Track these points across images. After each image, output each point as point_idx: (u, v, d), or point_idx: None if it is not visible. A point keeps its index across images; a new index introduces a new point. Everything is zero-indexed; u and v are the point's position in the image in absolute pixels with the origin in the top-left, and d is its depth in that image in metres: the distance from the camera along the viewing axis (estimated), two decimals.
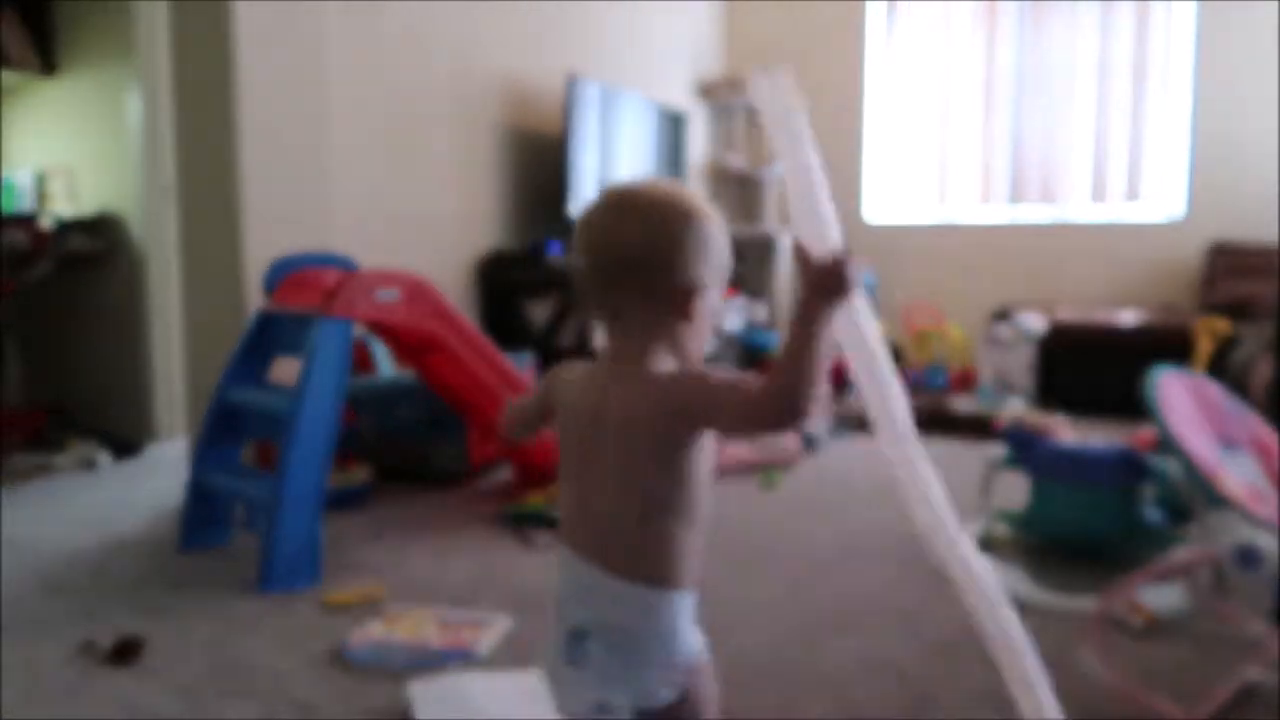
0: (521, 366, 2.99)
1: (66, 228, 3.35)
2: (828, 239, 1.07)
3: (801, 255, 0.95)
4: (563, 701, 0.99)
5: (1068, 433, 3.40)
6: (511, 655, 1.68)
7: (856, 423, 3.83)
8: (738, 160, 5.66)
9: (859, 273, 0.95)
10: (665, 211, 0.97)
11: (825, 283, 0.91)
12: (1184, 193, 4.96)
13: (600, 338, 1.03)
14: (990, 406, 4.15)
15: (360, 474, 2.69)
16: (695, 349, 1.01)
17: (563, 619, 0.99)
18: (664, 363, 0.97)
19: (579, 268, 0.98)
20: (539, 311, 3.72)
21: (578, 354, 3.61)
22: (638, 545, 0.95)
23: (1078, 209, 5.23)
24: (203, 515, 2.29)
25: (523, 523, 2.47)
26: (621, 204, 0.98)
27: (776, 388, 0.87)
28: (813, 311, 0.89)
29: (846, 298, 0.92)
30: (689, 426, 0.93)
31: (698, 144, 5.53)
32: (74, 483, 2.95)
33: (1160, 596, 1.83)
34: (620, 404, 0.95)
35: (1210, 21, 4.84)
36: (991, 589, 1.15)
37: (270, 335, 2.38)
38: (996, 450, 2.30)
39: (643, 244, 0.95)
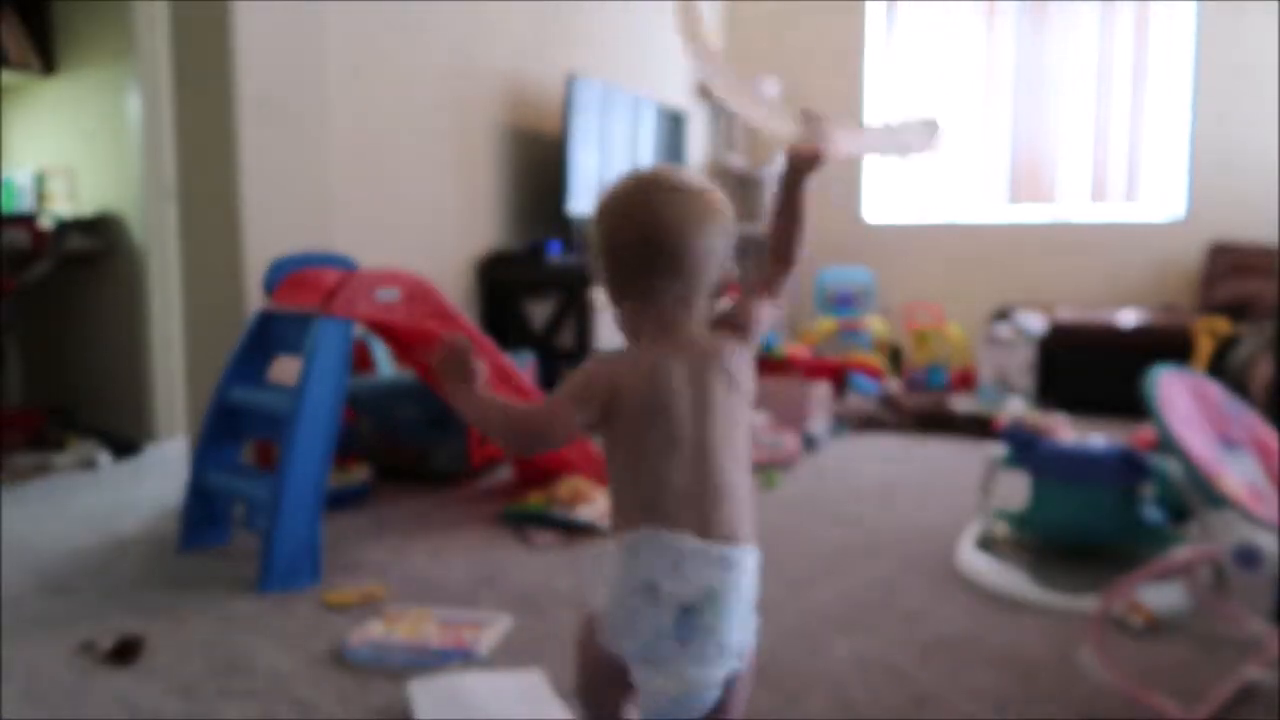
0: (522, 366, 2.99)
1: (66, 228, 3.35)
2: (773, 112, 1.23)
3: (791, 150, 1.13)
4: (678, 682, 0.98)
5: (1068, 433, 3.40)
6: (512, 655, 1.68)
7: (856, 423, 3.83)
8: (738, 160, 5.66)
9: (822, 133, 1.12)
10: (720, 203, 1.14)
11: (799, 159, 1.12)
12: (1184, 193, 4.96)
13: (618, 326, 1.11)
14: (990, 406, 4.15)
15: (360, 474, 2.69)
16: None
17: (664, 600, 0.97)
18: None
19: (658, 252, 1.05)
20: (539, 311, 3.72)
21: (578, 354, 3.61)
22: (749, 507, 1.03)
23: (1077, 209, 5.23)
24: (203, 515, 2.29)
25: (523, 523, 2.47)
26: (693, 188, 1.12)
27: (782, 247, 1.18)
28: (793, 179, 1.13)
29: (818, 167, 1.12)
30: (752, 364, 1.11)
31: (698, 144, 5.53)
32: (74, 483, 2.95)
33: (1160, 596, 1.83)
34: (726, 374, 1.05)
35: (1210, 21, 4.84)
36: None
37: (270, 335, 2.38)
38: (996, 450, 2.30)
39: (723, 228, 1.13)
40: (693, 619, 0.97)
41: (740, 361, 1.08)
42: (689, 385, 1.03)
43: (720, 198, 1.12)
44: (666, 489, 1.01)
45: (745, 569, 1.01)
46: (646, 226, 1.04)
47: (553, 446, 1.06)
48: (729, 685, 1.01)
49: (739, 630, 1.00)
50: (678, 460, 1.01)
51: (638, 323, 1.07)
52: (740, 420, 1.05)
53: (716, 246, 1.10)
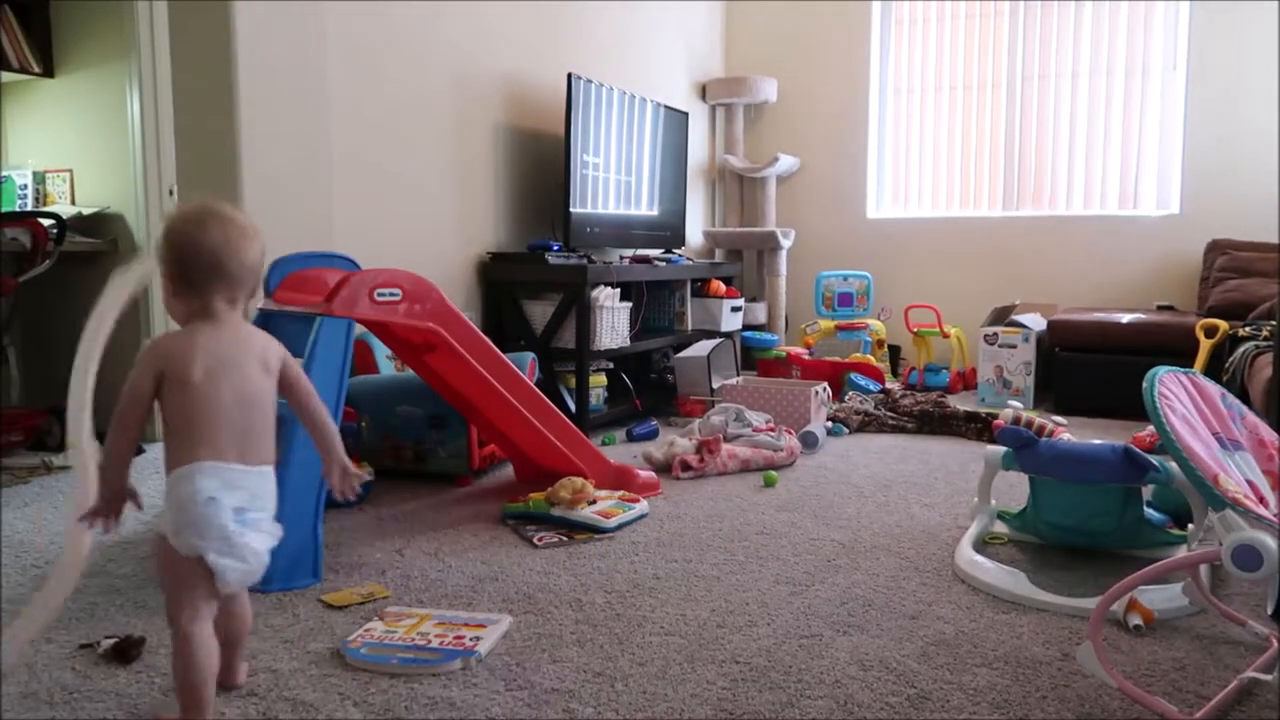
0: (522, 367, 2.99)
1: (66, 227, 3.35)
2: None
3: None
4: (244, 558, 1.39)
5: (1067, 433, 3.40)
6: (512, 655, 1.68)
7: (856, 423, 3.83)
8: (738, 160, 5.66)
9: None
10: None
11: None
12: (1183, 192, 4.96)
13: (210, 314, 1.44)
14: (990, 406, 4.16)
15: (360, 474, 2.68)
16: None
17: (223, 507, 1.38)
18: None
19: (213, 262, 1.41)
20: (539, 311, 3.72)
21: (578, 353, 3.61)
22: (271, 442, 1.49)
23: (1077, 209, 5.23)
24: None
25: (523, 522, 2.47)
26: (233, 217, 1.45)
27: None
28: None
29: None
30: None
31: (698, 144, 5.53)
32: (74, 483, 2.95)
33: (1160, 596, 1.83)
34: (261, 357, 1.47)
35: (1206, 19, 4.84)
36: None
37: (270, 334, 2.37)
38: (996, 450, 2.30)
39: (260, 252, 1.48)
40: (244, 515, 1.39)
41: (272, 352, 1.49)
42: (232, 360, 1.42)
43: (256, 227, 1.47)
44: (217, 431, 1.40)
45: (271, 479, 1.46)
46: (208, 243, 1.40)
47: (139, 411, 1.42)
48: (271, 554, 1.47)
49: (273, 521, 1.46)
50: (223, 411, 1.40)
51: (193, 313, 1.43)
52: (268, 389, 1.47)
53: (255, 262, 1.46)
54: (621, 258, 4.38)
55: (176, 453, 1.41)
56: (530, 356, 3.22)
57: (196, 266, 1.41)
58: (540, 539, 2.34)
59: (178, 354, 1.40)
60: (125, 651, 1.67)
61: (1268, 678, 1.54)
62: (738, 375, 4.46)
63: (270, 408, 1.47)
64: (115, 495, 1.44)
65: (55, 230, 3.31)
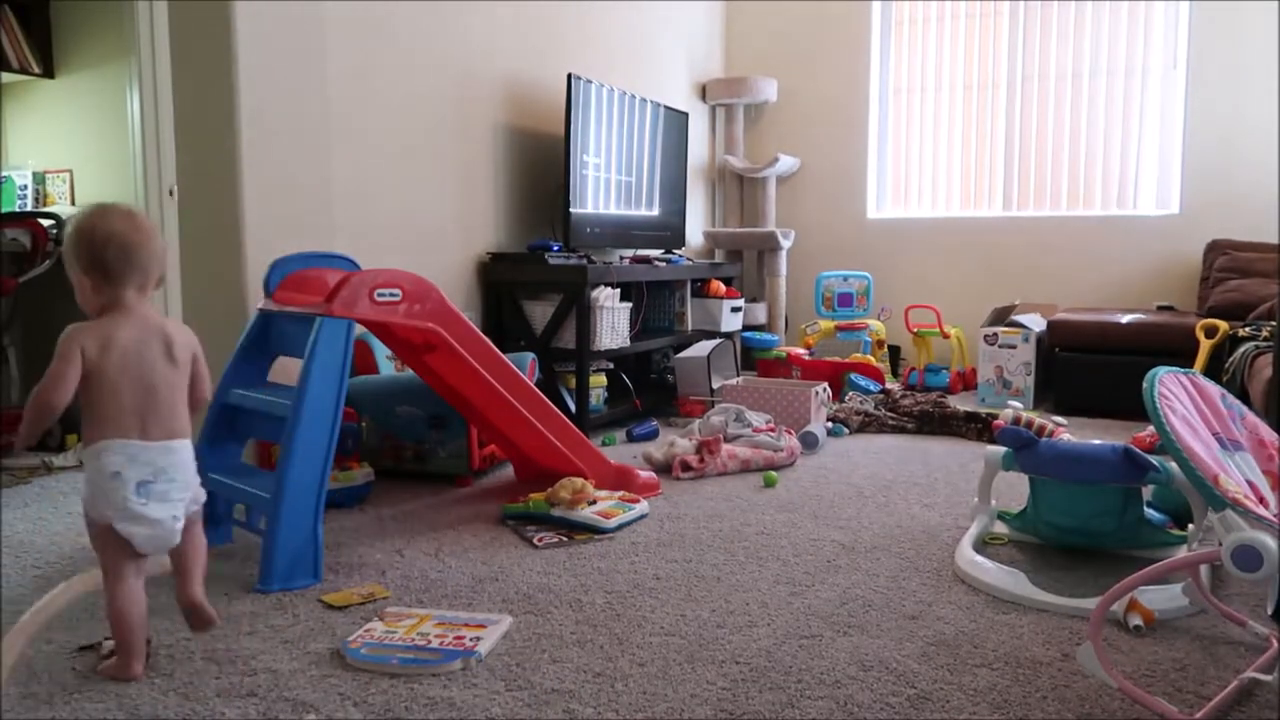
0: (522, 367, 2.99)
1: (66, 228, 3.35)
2: None
3: None
4: (147, 526, 1.56)
5: (1067, 433, 3.40)
6: (512, 655, 1.68)
7: (855, 423, 3.83)
8: (738, 160, 5.66)
9: None
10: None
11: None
12: (1183, 192, 4.96)
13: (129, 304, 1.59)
14: (990, 407, 4.16)
15: (360, 474, 2.69)
16: None
17: (126, 479, 1.54)
18: None
19: (124, 248, 1.56)
20: (539, 312, 3.72)
21: (578, 353, 3.61)
22: (184, 416, 1.64)
23: (1077, 209, 5.23)
24: (203, 515, 2.28)
25: (523, 522, 2.47)
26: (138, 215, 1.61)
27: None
28: None
29: None
30: None
31: (698, 144, 5.53)
32: (74, 483, 2.95)
33: (1160, 596, 1.83)
34: (166, 341, 1.60)
35: (1205, 18, 4.84)
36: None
37: (270, 335, 2.38)
38: (996, 450, 2.30)
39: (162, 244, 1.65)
40: (148, 487, 1.55)
41: (180, 343, 1.62)
42: (139, 348, 1.57)
43: (154, 226, 1.64)
44: (120, 410, 1.55)
45: (178, 452, 1.60)
46: (118, 232, 1.55)
47: (66, 396, 1.53)
48: (189, 523, 1.63)
49: (183, 489, 1.60)
50: (128, 392, 1.55)
51: (106, 305, 1.57)
52: (168, 373, 1.60)
53: (160, 251, 1.61)
54: (621, 258, 4.38)
55: (88, 431, 1.57)
56: (530, 357, 3.22)
57: (108, 255, 1.55)
58: (540, 539, 2.34)
59: (94, 343, 1.54)
60: None
61: (1268, 678, 1.54)
62: (738, 375, 4.46)
63: (173, 390, 1.62)
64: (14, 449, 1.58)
65: (55, 230, 3.31)
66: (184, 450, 1.62)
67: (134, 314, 1.58)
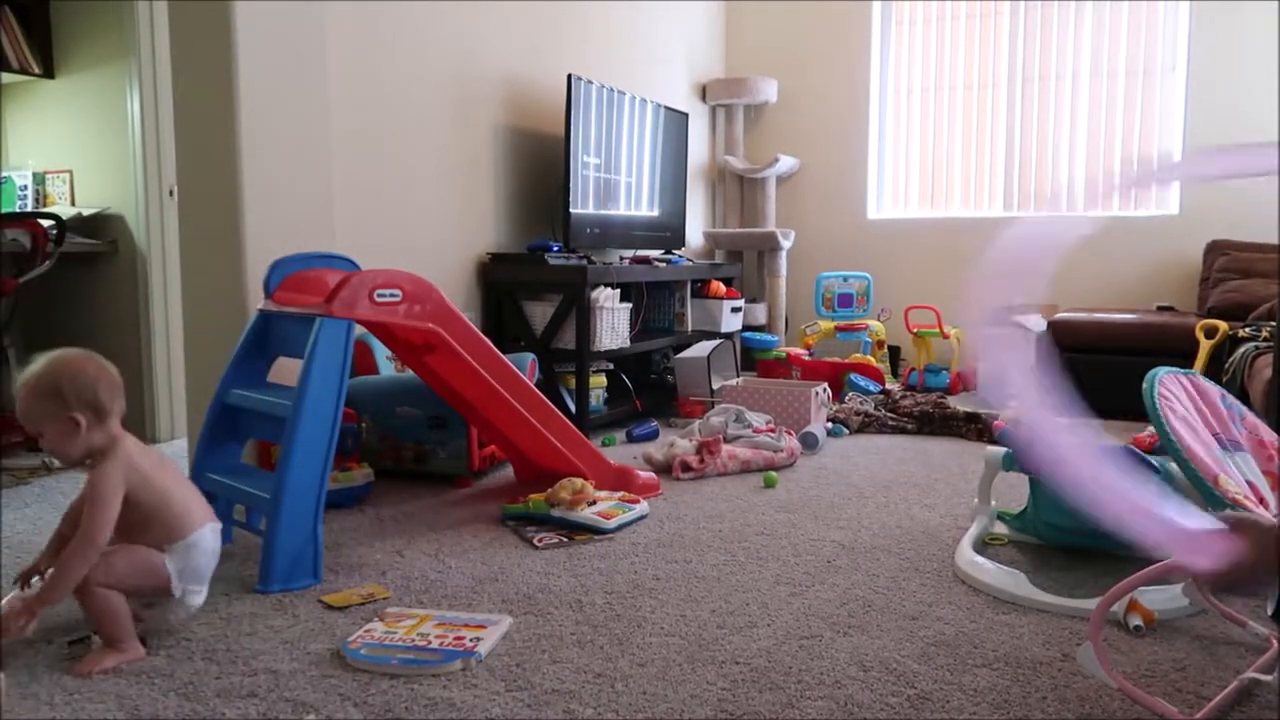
0: (521, 367, 2.99)
1: (66, 228, 3.35)
2: None
3: None
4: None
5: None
6: (512, 655, 1.68)
7: (855, 423, 3.83)
8: (738, 161, 5.66)
9: None
10: None
11: None
12: (1183, 193, 4.96)
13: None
14: (990, 407, 4.15)
15: (360, 474, 2.69)
16: None
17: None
18: None
19: (113, 384, 1.71)
20: (539, 311, 3.72)
21: (578, 354, 3.61)
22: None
23: (1078, 209, 5.23)
24: None
25: (523, 522, 2.47)
26: None
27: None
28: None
29: None
30: None
31: (698, 144, 5.53)
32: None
33: (1160, 597, 1.83)
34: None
35: (1205, 18, 4.84)
36: None
37: (270, 335, 2.38)
38: (996, 451, 2.30)
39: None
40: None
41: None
42: (145, 451, 1.76)
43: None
44: (186, 499, 1.77)
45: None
46: (105, 372, 1.71)
47: (112, 523, 1.64)
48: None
49: None
50: (174, 487, 1.77)
51: (110, 436, 1.69)
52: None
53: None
54: (621, 258, 4.38)
55: (170, 532, 1.72)
56: (530, 357, 3.22)
57: (105, 391, 1.69)
58: (540, 540, 2.34)
59: (135, 463, 1.70)
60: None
61: (1268, 678, 1.54)
62: (738, 376, 4.46)
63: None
64: (53, 603, 1.62)
65: (55, 231, 3.31)
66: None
67: (124, 436, 1.73)
